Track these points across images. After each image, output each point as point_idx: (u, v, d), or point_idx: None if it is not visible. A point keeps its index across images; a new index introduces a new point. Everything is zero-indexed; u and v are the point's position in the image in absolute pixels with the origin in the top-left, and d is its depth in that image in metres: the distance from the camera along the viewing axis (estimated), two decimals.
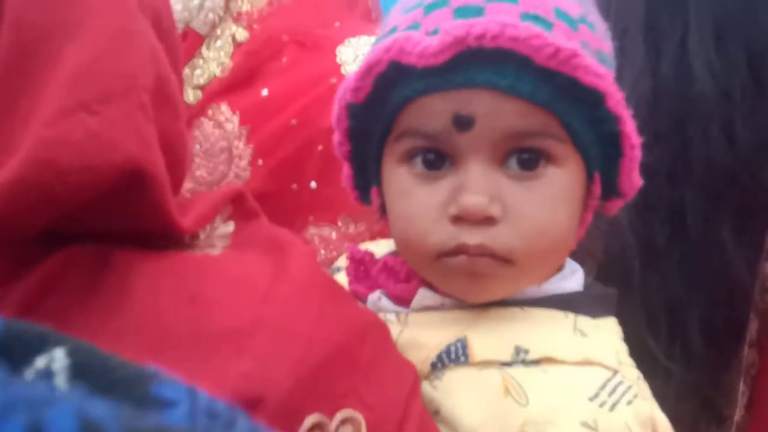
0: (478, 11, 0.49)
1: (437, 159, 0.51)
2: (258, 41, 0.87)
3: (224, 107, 0.85)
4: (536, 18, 0.49)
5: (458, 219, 0.50)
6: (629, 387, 0.50)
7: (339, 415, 0.42)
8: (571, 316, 0.53)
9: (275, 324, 0.43)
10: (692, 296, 0.81)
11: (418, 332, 0.54)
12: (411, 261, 0.56)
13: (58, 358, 0.25)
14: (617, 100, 0.50)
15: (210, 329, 0.42)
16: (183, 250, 0.48)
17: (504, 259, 0.50)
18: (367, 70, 0.51)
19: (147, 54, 0.44)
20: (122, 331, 0.41)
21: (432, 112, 0.50)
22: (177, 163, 0.47)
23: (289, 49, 0.87)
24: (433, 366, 0.52)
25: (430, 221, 0.51)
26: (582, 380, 0.50)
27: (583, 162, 0.52)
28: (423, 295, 0.56)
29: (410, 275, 0.57)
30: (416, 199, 0.52)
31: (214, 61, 0.86)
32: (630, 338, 0.57)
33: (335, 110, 0.56)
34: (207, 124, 0.85)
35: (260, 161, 0.84)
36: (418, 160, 0.52)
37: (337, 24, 0.92)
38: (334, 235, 0.84)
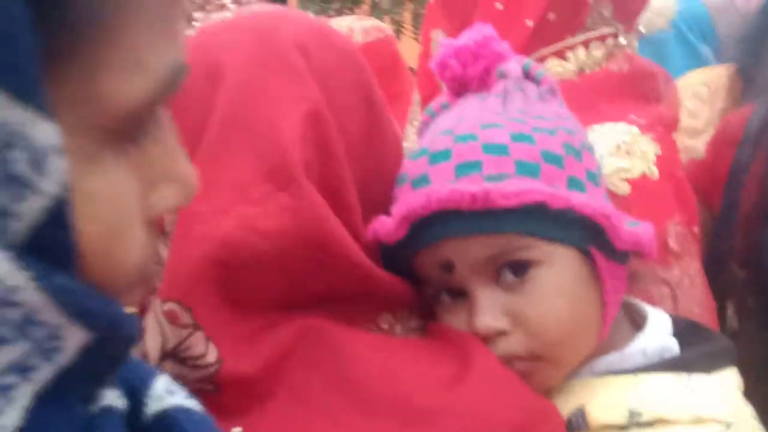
0: (424, 179, 0.59)
1: (454, 291, 0.60)
2: None
3: None
4: (466, 166, 0.57)
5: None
6: None
7: None
8: (683, 375, 0.56)
9: (464, 406, 0.50)
10: None
11: None
12: None
13: None
14: (560, 196, 0.56)
15: (408, 403, 0.50)
16: (384, 333, 0.58)
17: (531, 358, 0.57)
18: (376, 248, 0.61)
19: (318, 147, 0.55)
20: (338, 402, 0.51)
21: (426, 265, 0.60)
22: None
23: None
24: None
25: None
26: None
27: (573, 248, 0.57)
28: None
29: None
30: (449, 324, 0.60)
31: None
32: None
33: None
34: None
35: None
36: (441, 297, 0.61)
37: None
38: None
